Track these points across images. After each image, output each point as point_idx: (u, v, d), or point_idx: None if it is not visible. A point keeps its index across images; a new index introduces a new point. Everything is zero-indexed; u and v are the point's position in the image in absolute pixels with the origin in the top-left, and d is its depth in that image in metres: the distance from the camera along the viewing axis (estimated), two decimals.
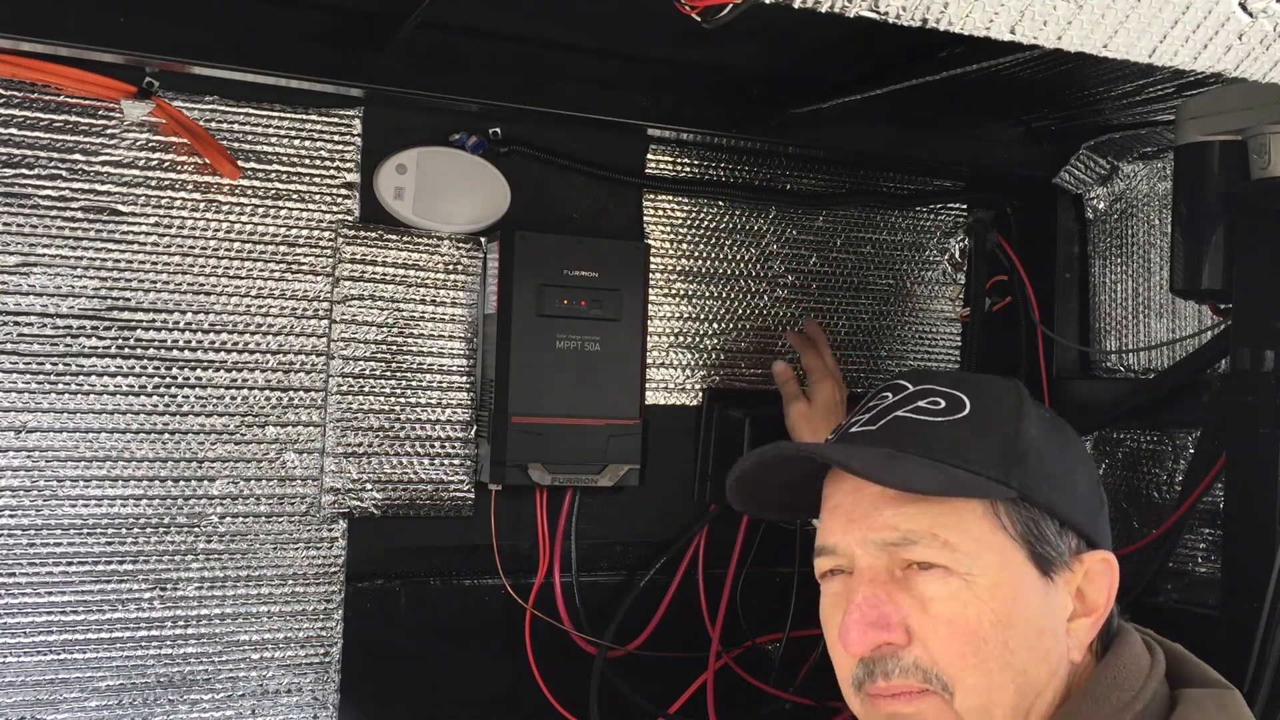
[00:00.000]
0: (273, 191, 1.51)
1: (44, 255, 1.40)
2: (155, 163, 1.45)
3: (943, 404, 1.01)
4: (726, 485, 1.10)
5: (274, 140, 1.51)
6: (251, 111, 1.50)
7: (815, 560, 1.05)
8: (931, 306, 1.95)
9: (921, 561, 0.97)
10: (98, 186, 1.43)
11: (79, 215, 1.42)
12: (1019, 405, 1.03)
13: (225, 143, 1.48)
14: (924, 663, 0.95)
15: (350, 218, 1.55)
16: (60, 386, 1.41)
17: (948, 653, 0.95)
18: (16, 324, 1.39)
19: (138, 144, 1.44)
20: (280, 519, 1.52)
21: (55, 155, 1.40)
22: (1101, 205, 1.86)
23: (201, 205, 1.48)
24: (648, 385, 1.65)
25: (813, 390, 1.67)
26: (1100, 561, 1.01)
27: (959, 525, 0.97)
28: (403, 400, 1.58)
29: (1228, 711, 0.96)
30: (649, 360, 1.67)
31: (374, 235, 1.56)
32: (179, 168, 1.46)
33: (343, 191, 1.55)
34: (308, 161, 1.53)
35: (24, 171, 1.39)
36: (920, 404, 1.02)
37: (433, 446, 1.60)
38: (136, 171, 1.44)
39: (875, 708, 0.99)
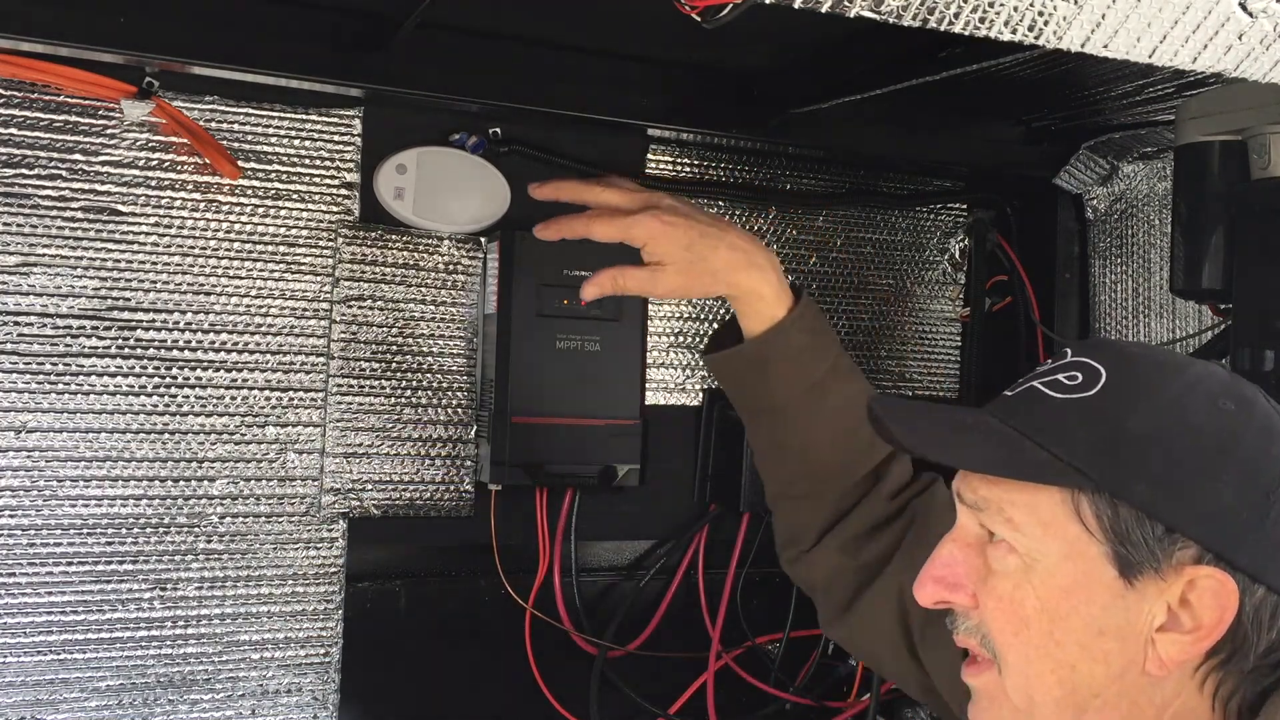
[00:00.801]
0: (273, 191, 1.51)
1: (44, 255, 1.40)
2: (155, 163, 1.45)
3: (1080, 379, 0.95)
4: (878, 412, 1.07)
5: (274, 140, 1.51)
6: (251, 111, 1.50)
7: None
8: (931, 306, 1.95)
9: (993, 532, 0.97)
10: (98, 186, 1.43)
11: (79, 215, 1.42)
12: (1160, 388, 0.93)
13: (225, 143, 1.48)
14: (983, 628, 0.96)
15: (350, 218, 1.55)
16: (60, 386, 1.41)
17: (996, 626, 0.95)
18: (16, 324, 1.39)
19: (138, 144, 1.44)
20: (280, 519, 1.53)
21: (55, 155, 1.40)
22: (1101, 205, 1.86)
23: (201, 205, 1.48)
24: (648, 385, 1.65)
25: (640, 238, 1.31)
26: (1209, 577, 0.88)
27: (1030, 505, 0.93)
28: (403, 400, 1.58)
29: None
30: (649, 360, 1.67)
31: (374, 235, 1.56)
32: (179, 168, 1.47)
33: (343, 191, 1.55)
34: (308, 161, 1.53)
35: (24, 171, 1.39)
36: (1059, 377, 0.96)
37: (433, 446, 1.60)
38: (136, 171, 1.45)
39: None
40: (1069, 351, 0.99)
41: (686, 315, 1.77)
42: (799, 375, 1.34)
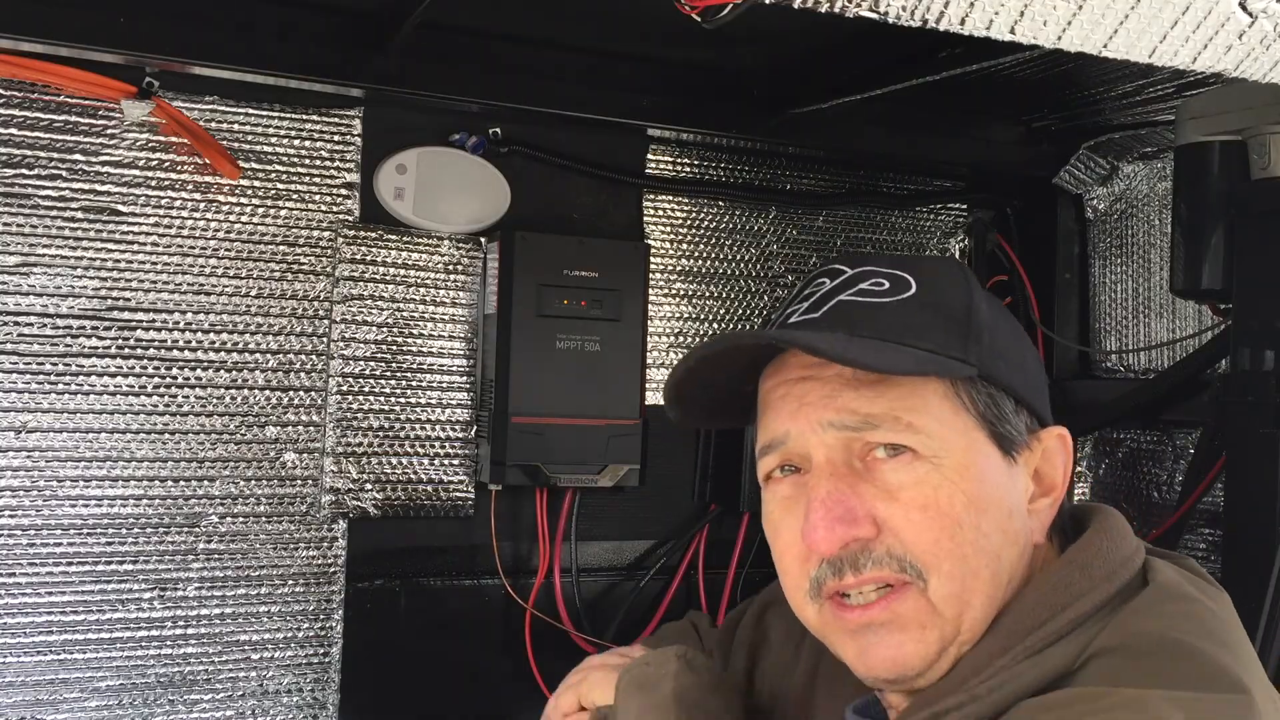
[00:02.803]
0: (273, 191, 1.51)
1: (44, 255, 1.40)
2: (155, 163, 1.45)
3: (887, 285, 0.95)
4: (668, 385, 1.01)
5: (274, 140, 1.51)
6: (251, 111, 1.50)
7: (760, 461, 0.98)
8: None
9: (887, 444, 0.90)
10: (98, 186, 1.43)
11: (79, 215, 1.42)
12: (967, 281, 0.97)
13: (225, 143, 1.48)
14: (897, 551, 0.90)
15: (350, 218, 1.55)
16: (60, 386, 1.41)
17: (922, 540, 0.89)
18: (16, 324, 1.39)
19: (138, 144, 1.44)
20: (280, 519, 1.53)
21: (55, 155, 1.41)
22: (1101, 205, 1.86)
23: (201, 205, 1.48)
24: (648, 385, 1.65)
25: None
26: (1056, 438, 0.97)
27: (922, 407, 0.91)
28: (403, 400, 1.58)
29: (1198, 604, 0.89)
30: (649, 360, 1.67)
31: (374, 235, 1.56)
32: (179, 168, 1.47)
33: (343, 191, 1.55)
34: (308, 161, 1.53)
35: (24, 171, 1.39)
36: (863, 286, 0.95)
37: (433, 446, 1.60)
38: (136, 171, 1.44)
39: (841, 620, 0.92)
40: (845, 268, 0.98)
41: (686, 316, 1.77)
42: None
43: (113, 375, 1.44)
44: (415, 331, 1.59)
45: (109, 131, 1.43)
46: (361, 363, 1.56)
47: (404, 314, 1.58)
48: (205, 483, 1.49)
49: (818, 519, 0.90)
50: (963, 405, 0.92)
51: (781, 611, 1.11)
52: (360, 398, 1.56)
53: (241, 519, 1.50)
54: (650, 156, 1.74)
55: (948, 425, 0.91)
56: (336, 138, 1.54)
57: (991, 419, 0.93)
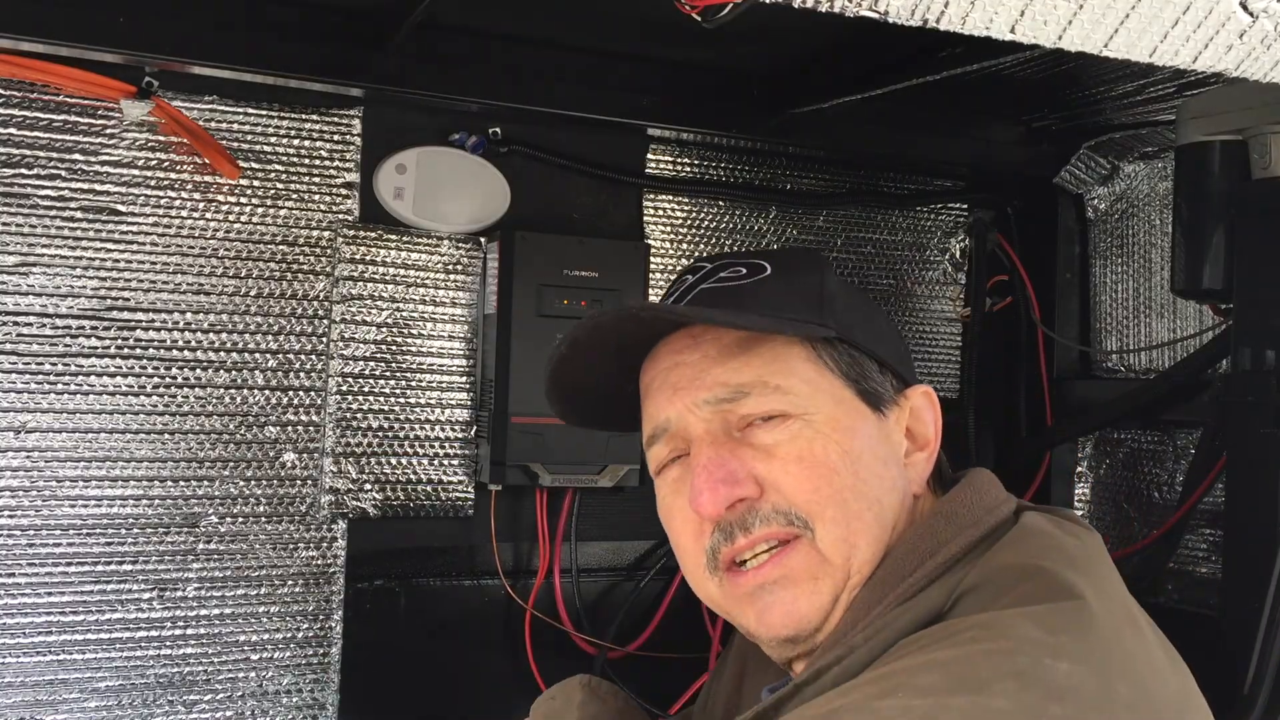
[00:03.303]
0: (273, 191, 1.51)
1: (43, 255, 1.40)
2: (155, 163, 1.45)
3: (744, 271, 1.01)
4: (547, 377, 1.05)
5: (274, 140, 1.51)
6: (251, 111, 1.50)
7: (649, 454, 1.03)
8: (932, 306, 1.95)
9: (760, 414, 0.95)
10: (97, 186, 1.43)
11: (78, 215, 1.42)
12: (818, 264, 1.04)
13: (225, 143, 1.48)
14: (782, 506, 0.93)
15: (350, 218, 1.55)
16: (60, 386, 1.41)
17: (803, 490, 0.93)
18: (16, 324, 1.39)
19: (137, 144, 1.44)
20: (280, 519, 1.52)
21: (55, 155, 1.40)
22: (1102, 205, 1.86)
23: (201, 205, 1.48)
24: None
25: None
26: (922, 396, 1.02)
27: (788, 370, 0.96)
28: (403, 400, 1.58)
29: (1064, 540, 0.91)
30: None
31: (374, 235, 1.56)
32: (179, 168, 1.46)
33: (342, 191, 1.55)
34: (307, 161, 1.53)
35: (23, 171, 1.39)
36: (722, 274, 1.01)
37: (433, 446, 1.60)
38: (136, 171, 1.44)
39: (737, 586, 0.96)
40: (705, 264, 1.04)
41: None
42: None
43: (112, 375, 1.44)
44: (415, 331, 1.59)
45: (108, 131, 1.43)
46: (361, 363, 1.56)
47: (404, 314, 1.58)
48: (205, 483, 1.48)
49: (701, 483, 0.94)
50: (826, 366, 0.98)
51: None
52: (360, 398, 1.56)
53: (241, 519, 1.50)
54: (650, 156, 1.74)
55: (814, 385, 0.97)
56: (336, 137, 1.54)
57: (856, 377, 0.98)
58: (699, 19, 0.75)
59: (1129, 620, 0.85)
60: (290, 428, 1.53)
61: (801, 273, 1.02)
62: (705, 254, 1.78)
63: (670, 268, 1.75)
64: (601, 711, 1.12)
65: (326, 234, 1.54)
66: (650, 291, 1.65)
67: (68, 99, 1.40)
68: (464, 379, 1.61)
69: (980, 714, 0.73)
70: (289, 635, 1.53)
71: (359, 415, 1.56)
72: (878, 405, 0.99)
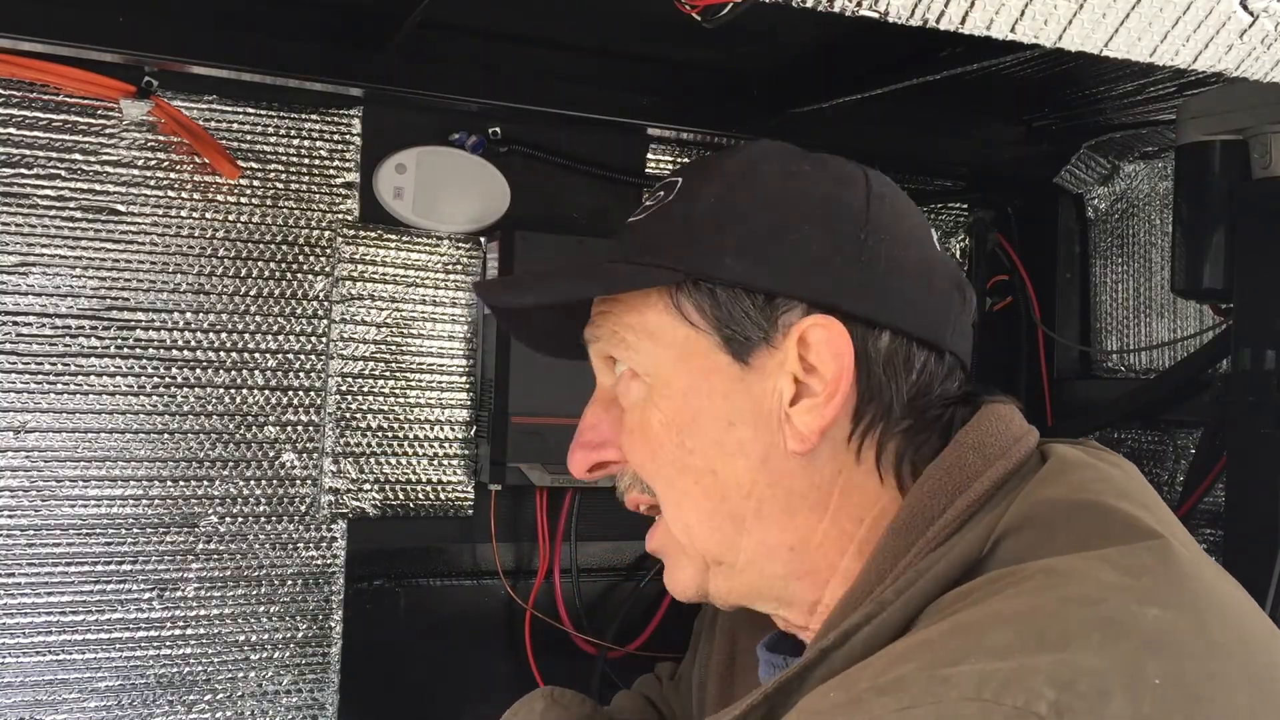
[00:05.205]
0: (272, 191, 1.51)
1: (43, 255, 1.40)
2: (155, 163, 1.45)
3: (661, 194, 0.91)
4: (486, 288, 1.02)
5: (274, 140, 1.51)
6: (251, 111, 1.50)
7: None
8: None
9: (627, 369, 0.90)
10: (97, 186, 1.43)
11: (78, 215, 1.42)
12: (722, 171, 0.90)
13: (225, 143, 1.48)
14: (638, 475, 0.90)
15: (350, 218, 1.55)
16: (60, 386, 1.41)
17: (637, 462, 0.89)
18: (15, 324, 1.39)
19: (137, 144, 1.44)
20: (280, 519, 1.52)
21: (54, 155, 1.40)
22: (1102, 205, 1.86)
23: (201, 205, 1.48)
24: None
25: None
26: (814, 327, 0.83)
27: (639, 322, 0.88)
28: (403, 400, 1.58)
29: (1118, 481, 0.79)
30: None
31: (374, 235, 1.56)
32: (179, 168, 1.46)
33: (342, 191, 1.55)
34: (307, 161, 1.53)
35: (23, 171, 1.39)
36: (645, 201, 0.93)
37: (433, 446, 1.60)
38: (136, 171, 1.44)
39: None
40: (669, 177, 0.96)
41: None
42: None
43: (112, 375, 1.44)
44: (415, 331, 1.59)
45: (108, 131, 1.43)
46: (361, 363, 1.56)
47: (403, 314, 1.58)
48: (204, 483, 1.48)
49: (572, 445, 0.92)
50: (681, 315, 0.87)
51: None
52: (359, 398, 1.56)
53: (240, 519, 1.50)
54: (650, 156, 1.74)
55: (659, 339, 0.88)
56: (336, 137, 1.54)
57: (719, 322, 0.86)
58: (699, 19, 0.75)
59: (1205, 557, 0.76)
60: (290, 428, 1.52)
61: (699, 193, 0.88)
62: None
63: None
64: (564, 717, 1.09)
65: (326, 234, 1.54)
66: None
67: (67, 99, 1.40)
68: (464, 379, 1.61)
69: (1070, 675, 0.60)
70: (289, 635, 1.53)
71: (359, 415, 1.56)
72: (743, 354, 0.85)
